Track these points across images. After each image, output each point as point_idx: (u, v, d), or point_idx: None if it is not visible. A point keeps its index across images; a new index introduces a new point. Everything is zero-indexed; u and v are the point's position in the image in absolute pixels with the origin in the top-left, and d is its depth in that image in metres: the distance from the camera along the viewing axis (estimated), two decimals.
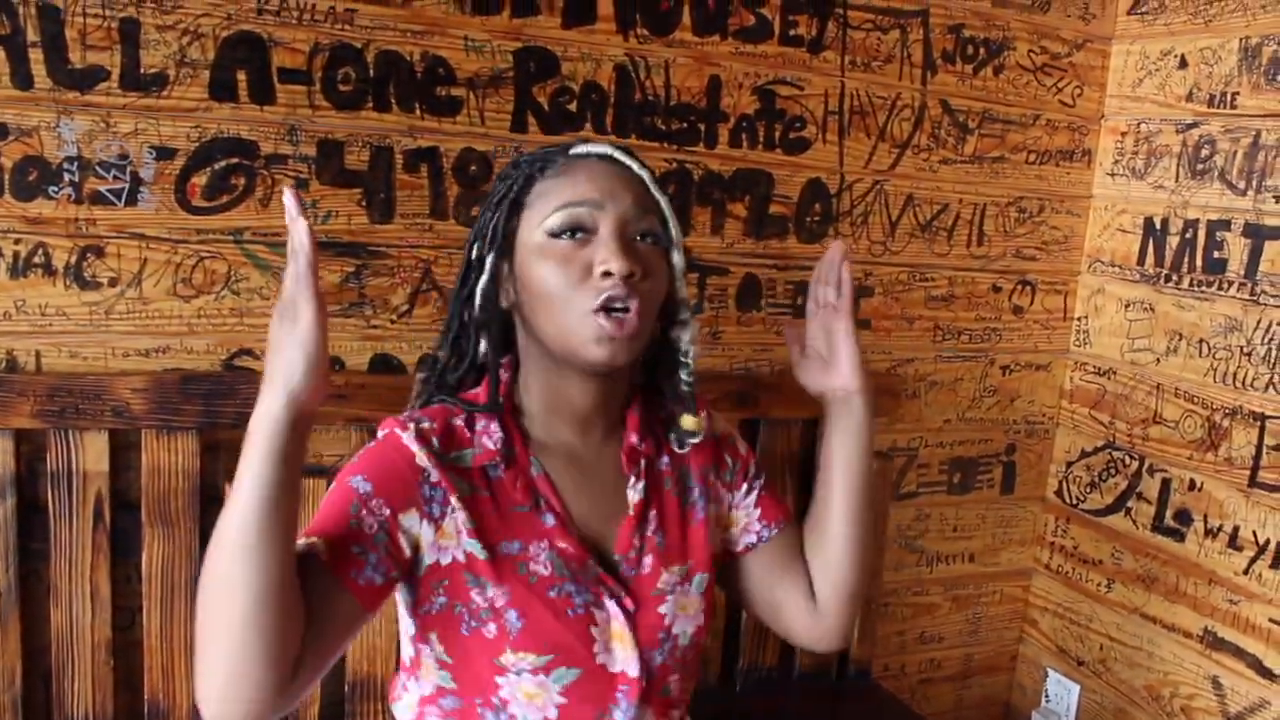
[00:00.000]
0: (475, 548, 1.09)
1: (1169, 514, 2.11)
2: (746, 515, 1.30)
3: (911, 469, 2.21)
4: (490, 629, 1.09)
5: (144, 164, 1.53)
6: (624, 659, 1.14)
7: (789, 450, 1.99)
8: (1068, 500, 2.33)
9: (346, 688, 1.70)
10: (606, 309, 1.06)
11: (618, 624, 1.14)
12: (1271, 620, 1.91)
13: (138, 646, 1.60)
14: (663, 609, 1.17)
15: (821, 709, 2.04)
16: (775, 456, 1.96)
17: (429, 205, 1.70)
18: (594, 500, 1.18)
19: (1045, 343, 2.30)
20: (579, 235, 1.09)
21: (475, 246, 1.16)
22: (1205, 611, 2.03)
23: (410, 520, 1.07)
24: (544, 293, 1.09)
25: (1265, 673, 1.92)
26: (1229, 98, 1.98)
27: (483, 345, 1.17)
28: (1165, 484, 2.12)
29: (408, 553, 1.08)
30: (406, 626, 1.17)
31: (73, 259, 1.52)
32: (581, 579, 1.13)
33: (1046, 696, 2.38)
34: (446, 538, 1.09)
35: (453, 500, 1.09)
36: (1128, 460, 2.19)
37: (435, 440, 1.11)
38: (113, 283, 1.55)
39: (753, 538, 1.30)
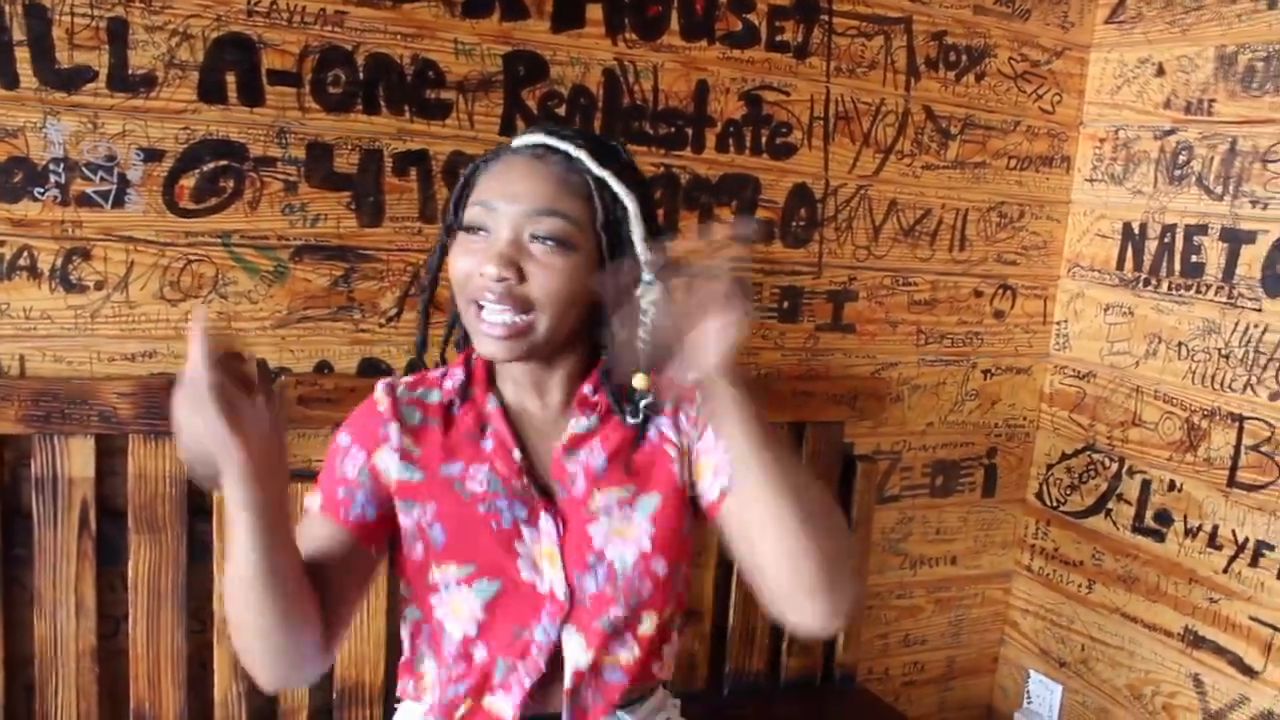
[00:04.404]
0: (405, 472, 1.16)
1: (1149, 515, 2.14)
2: (715, 457, 1.19)
3: (895, 472, 2.23)
4: (418, 549, 1.17)
5: (131, 165, 1.51)
6: (552, 578, 1.17)
7: None
8: (1048, 502, 2.36)
9: (335, 695, 1.68)
10: (482, 305, 1.12)
11: (548, 542, 1.17)
12: (1251, 618, 1.94)
13: (123, 655, 1.58)
14: (592, 529, 1.17)
15: (808, 713, 2.05)
16: None
17: (418, 208, 1.69)
18: (547, 441, 1.21)
19: (1026, 346, 2.33)
20: (482, 233, 1.13)
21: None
22: (1186, 610, 2.06)
23: (383, 457, 1.16)
24: (452, 280, 1.15)
25: (1245, 670, 1.95)
26: (1206, 104, 2.01)
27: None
28: (1145, 485, 2.14)
29: (393, 487, 1.17)
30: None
31: (58, 262, 1.50)
32: (515, 496, 1.17)
33: (1029, 697, 2.40)
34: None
35: (392, 428, 1.16)
36: (1107, 462, 2.22)
37: (403, 386, 1.21)
38: (99, 286, 1.53)
39: (725, 479, 1.16)
